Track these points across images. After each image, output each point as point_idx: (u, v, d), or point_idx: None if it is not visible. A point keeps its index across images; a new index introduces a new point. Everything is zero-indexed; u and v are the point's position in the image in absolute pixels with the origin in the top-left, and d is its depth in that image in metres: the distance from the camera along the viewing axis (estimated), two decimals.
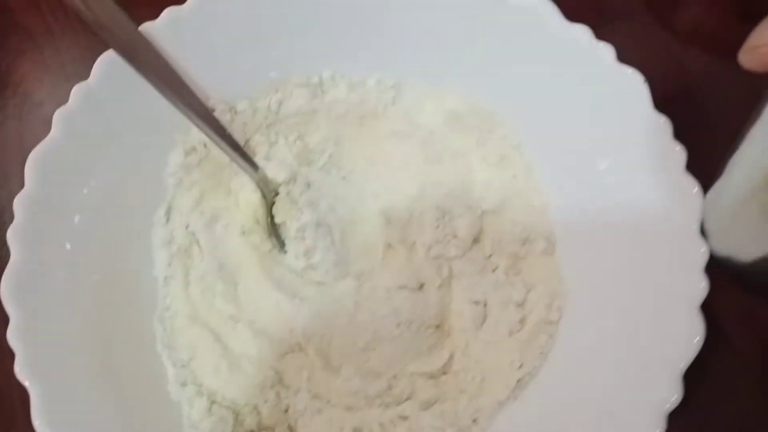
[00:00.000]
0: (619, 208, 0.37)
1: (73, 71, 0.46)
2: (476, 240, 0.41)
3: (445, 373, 0.39)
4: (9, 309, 0.32)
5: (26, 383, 0.31)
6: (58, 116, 0.35)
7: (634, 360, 0.34)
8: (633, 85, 0.36)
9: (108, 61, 0.36)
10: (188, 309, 0.38)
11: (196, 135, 0.39)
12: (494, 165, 0.42)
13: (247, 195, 0.40)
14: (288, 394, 0.37)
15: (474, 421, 0.37)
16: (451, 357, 0.39)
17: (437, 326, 0.40)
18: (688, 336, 0.32)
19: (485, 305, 0.40)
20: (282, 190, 0.40)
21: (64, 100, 0.35)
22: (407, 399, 0.38)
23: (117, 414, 0.34)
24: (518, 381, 0.37)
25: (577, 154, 0.39)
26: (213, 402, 0.36)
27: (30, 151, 0.34)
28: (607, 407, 0.34)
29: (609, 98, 0.37)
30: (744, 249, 0.31)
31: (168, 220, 0.39)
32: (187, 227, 0.39)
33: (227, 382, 0.36)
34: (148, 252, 0.39)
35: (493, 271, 0.41)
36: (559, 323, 0.38)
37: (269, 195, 0.40)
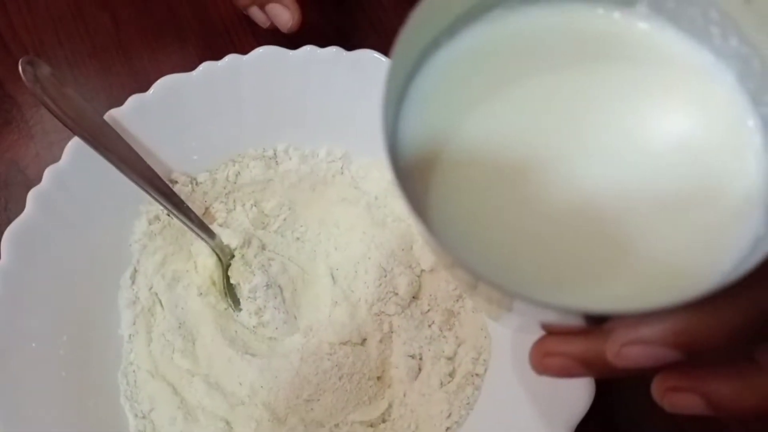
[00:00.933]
0: None
1: (56, 138, 0.51)
2: (415, 297, 0.46)
3: (384, 421, 0.43)
4: None
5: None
6: (32, 195, 0.39)
7: (540, 413, 0.38)
8: None
9: (77, 145, 0.40)
10: (149, 364, 0.42)
11: (159, 206, 0.43)
12: None
13: (204, 259, 0.44)
14: None
15: None
16: (390, 406, 0.43)
17: (378, 378, 0.44)
18: (581, 394, 0.36)
19: (420, 358, 0.44)
20: (237, 253, 0.45)
21: (49, 163, 0.40)
22: None
23: None
24: (446, 429, 0.41)
25: None
26: None
27: (14, 219, 0.39)
28: None
29: None
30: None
31: (133, 282, 0.44)
32: (150, 288, 0.44)
33: (183, 431, 0.41)
34: (115, 312, 0.43)
35: (429, 326, 0.45)
36: (484, 376, 0.42)
37: (225, 258, 0.44)
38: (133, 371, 0.42)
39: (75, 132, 0.39)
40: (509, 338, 0.42)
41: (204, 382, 0.42)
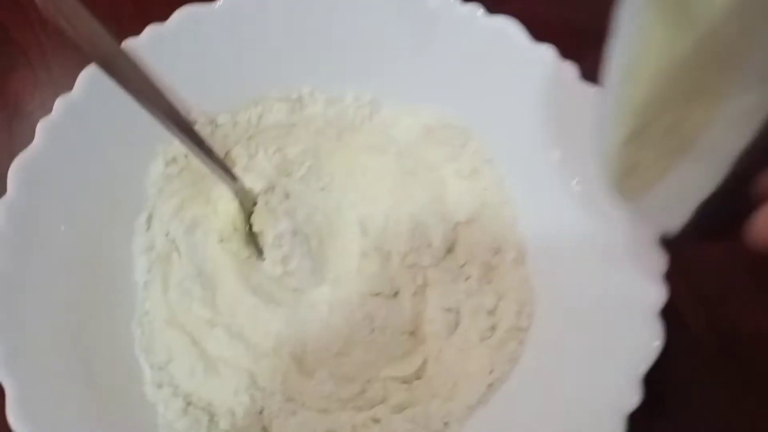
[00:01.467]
0: (587, 221, 0.38)
1: (62, 84, 0.48)
2: (450, 249, 0.43)
3: (418, 378, 0.40)
4: None
5: (3, 379, 0.32)
6: (41, 126, 0.36)
7: (598, 365, 0.35)
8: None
9: (91, 74, 0.37)
10: (166, 313, 0.38)
11: (177, 146, 0.40)
12: (467, 178, 0.44)
13: (225, 204, 0.41)
14: (262, 397, 0.37)
15: (445, 424, 0.38)
16: (425, 362, 0.40)
17: (411, 333, 0.41)
18: (648, 341, 0.33)
19: (458, 312, 0.41)
20: (260, 200, 0.41)
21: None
22: (380, 402, 0.38)
23: (94, 413, 0.34)
24: (489, 386, 0.38)
25: (547, 169, 0.40)
26: (189, 403, 0.37)
27: None
28: (572, 411, 0.35)
29: (574, 116, 0.38)
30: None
31: (149, 227, 0.40)
32: (167, 234, 0.40)
33: (203, 384, 0.37)
34: (128, 258, 0.40)
35: (466, 279, 0.42)
36: (528, 330, 0.39)
37: (248, 204, 0.41)
38: (149, 321, 0.39)
39: (90, 57, 0.36)
40: (555, 291, 0.39)
41: (226, 332, 0.38)
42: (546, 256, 0.40)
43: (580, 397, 0.35)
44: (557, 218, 0.40)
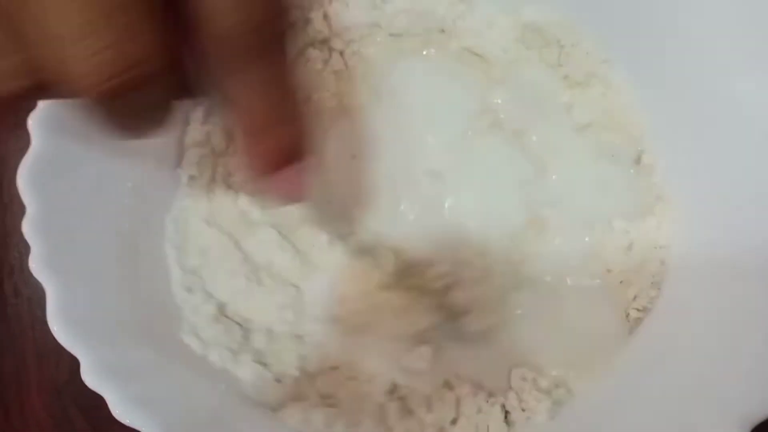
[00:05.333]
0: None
1: None
2: None
3: None
4: (26, 199, 0.29)
5: (41, 278, 0.27)
6: None
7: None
8: None
9: None
10: (207, 211, 0.33)
11: None
12: (580, 84, 0.36)
13: None
14: (304, 321, 0.31)
15: None
16: None
17: None
18: None
19: None
20: None
21: None
22: None
23: (128, 317, 0.29)
24: None
25: (691, 72, 0.31)
26: (222, 313, 0.31)
27: None
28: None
29: None
30: None
31: (206, 121, 0.35)
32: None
33: (241, 293, 0.32)
34: (176, 148, 0.35)
35: None
36: None
37: None
38: (185, 218, 0.34)
39: None
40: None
41: (277, 233, 0.32)
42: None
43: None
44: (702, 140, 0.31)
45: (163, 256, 0.32)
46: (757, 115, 0.28)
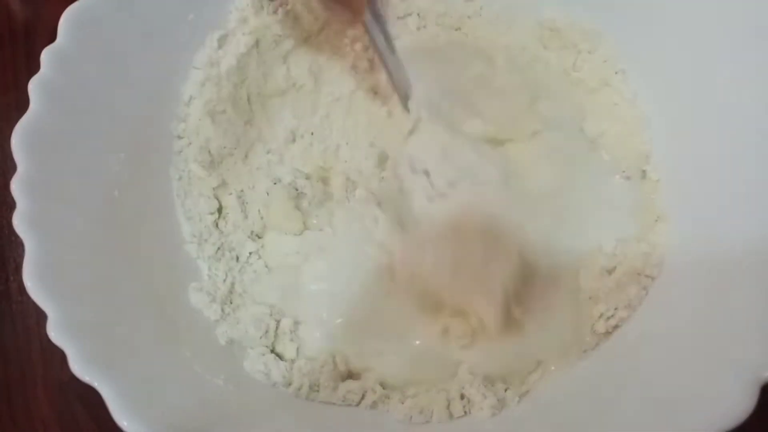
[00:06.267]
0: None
1: None
2: None
3: None
4: (18, 158, 0.29)
5: (22, 234, 0.27)
6: None
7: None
8: None
9: None
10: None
11: None
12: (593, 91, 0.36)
13: None
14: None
15: None
16: None
17: None
18: None
19: None
20: None
21: None
22: None
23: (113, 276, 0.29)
24: None
25: (700, 88, 0.31)
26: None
27: None
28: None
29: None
30: None
31: (220, 47, 0.35)
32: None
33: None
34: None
35: None
36: None
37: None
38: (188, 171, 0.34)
39: None
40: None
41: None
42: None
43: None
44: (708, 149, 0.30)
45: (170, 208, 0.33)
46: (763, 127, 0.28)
